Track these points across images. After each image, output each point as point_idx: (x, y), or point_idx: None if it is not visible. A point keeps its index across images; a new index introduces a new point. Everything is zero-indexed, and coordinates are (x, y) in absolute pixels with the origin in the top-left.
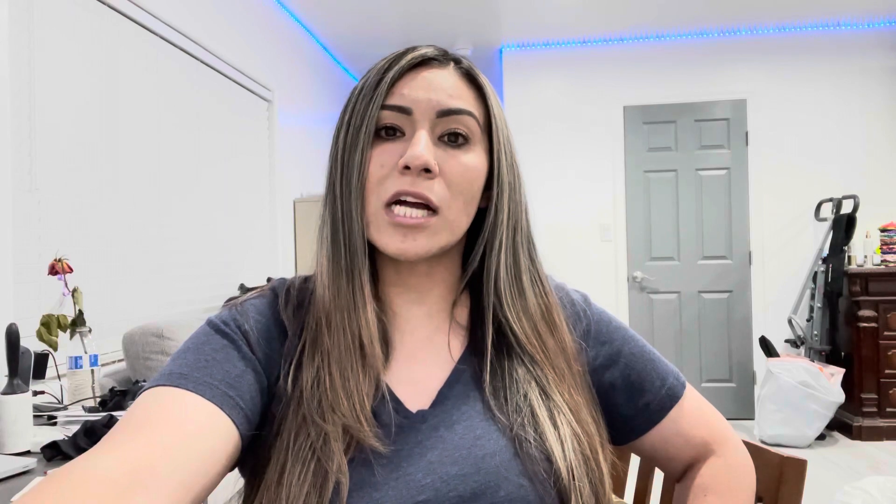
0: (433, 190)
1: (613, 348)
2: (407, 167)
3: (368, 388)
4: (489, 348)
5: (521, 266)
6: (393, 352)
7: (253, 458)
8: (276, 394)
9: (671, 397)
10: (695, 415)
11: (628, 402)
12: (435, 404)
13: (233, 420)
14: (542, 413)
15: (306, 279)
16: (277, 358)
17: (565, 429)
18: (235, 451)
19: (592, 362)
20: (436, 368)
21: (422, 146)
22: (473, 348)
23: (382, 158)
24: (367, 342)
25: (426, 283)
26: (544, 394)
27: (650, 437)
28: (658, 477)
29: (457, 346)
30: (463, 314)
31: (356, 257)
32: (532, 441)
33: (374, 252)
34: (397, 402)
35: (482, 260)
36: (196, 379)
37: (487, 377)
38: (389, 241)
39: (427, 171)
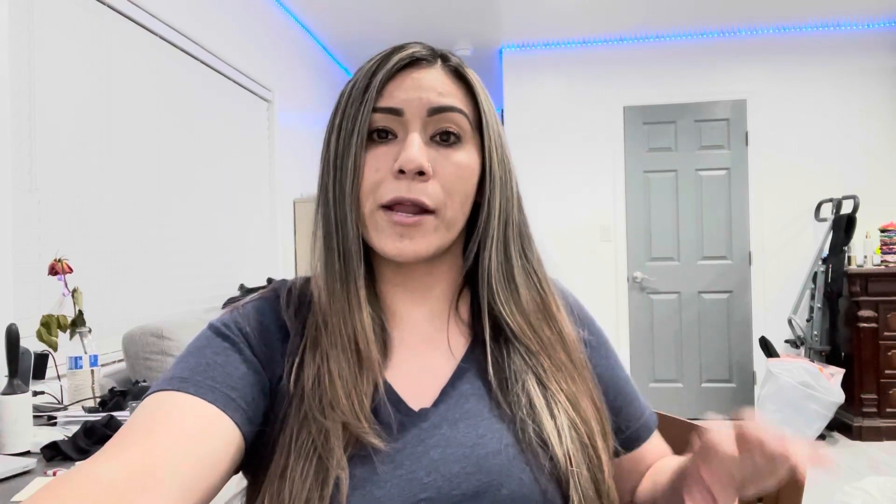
0: (427, 192)
1: (609, 367)
2: (401, 171)
3: (367, 388)
4: (488, 344)
5: (513, 260)
6: (394, 350)
7: (257, 459)
8: (279, 394)
9: (647, 429)
10: (659, 448)
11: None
12: (438, 402)
13: (235, 422)
14: (539, 403)
15: (308, 280)
16: (279, 359)
17: (562, 418)
18: (238, 453)
19: (593, 370)
20: (439, 366)
21: (415, 149)
22: (476, 344)
23: (377, 162)
24: (363, 345)
25: (427, 281)
26: (541, 384)
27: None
28: None
29: (460, 342)
30: (465, 310)
31: (350, 262)
32: (531, 432)
33: (371, 252)
34: (399, 400)
35: (478, 255)
36: (198, 382)
37: (491, 374)
38: (387, 242)
39: (421, 173)
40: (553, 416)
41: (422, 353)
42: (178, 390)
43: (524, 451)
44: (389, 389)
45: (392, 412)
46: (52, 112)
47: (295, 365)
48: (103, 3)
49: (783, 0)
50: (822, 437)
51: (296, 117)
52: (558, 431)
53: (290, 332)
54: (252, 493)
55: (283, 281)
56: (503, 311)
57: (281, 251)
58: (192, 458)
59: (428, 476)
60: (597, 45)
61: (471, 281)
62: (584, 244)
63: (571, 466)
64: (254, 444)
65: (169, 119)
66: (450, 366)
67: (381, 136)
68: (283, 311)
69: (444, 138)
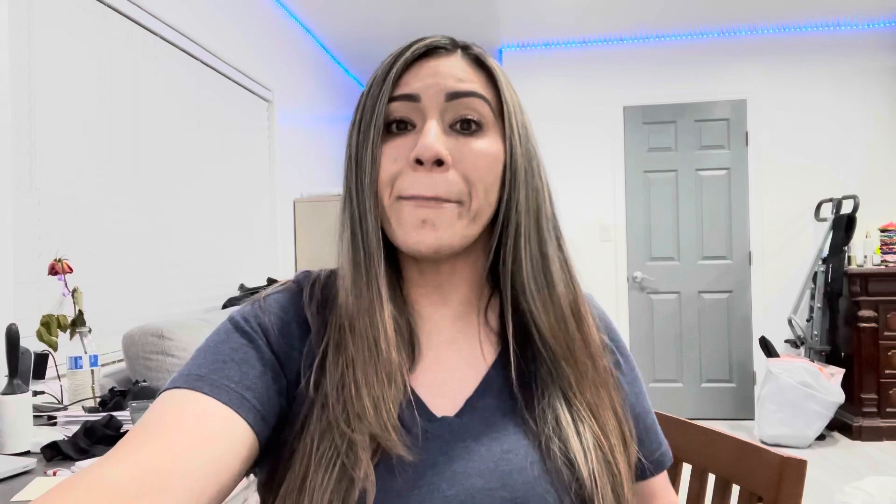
0: (447, 183)
1: (632, 394)
2: (419, 161)
3: (395, 395)
4: (513, 353)
5: (549, 254)
6: (419, 354)
7: (273, 456)
8: (298, 395)
9: (658, 465)
10: (663, 491)
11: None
12: (462, 413)
13: (249, 423)
14: (564, 419)
15: (332, 273)
16: (297, 356)
17: (587, 435)
18: (251, 454)
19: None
20: (464, 374)
21: (432, 136)
22: (503, 354)
23: (395, 153)
24: (385, 348)
25: (450, 282)
26: (566, 399)
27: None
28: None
29: (487, 350)
30: (494, 318)
31: (372, 257)
32: (557, 450)
33: (396, 253)
34: (423, 407)
35: (502, 252)
36: (213, 381)
37: (517, 387)
38: (409, 232)
39: (440, 163)
40: (579, 434)
41: (447, 358)
42: (192, 388)
43: (549, 471)
44: (415, 395)
45: (417, 418)
46: (52, 112)
47: (314, 368)
48: (103, 3)
49: (783, 0)
50: (822, 437)
51: (296, 117)
52: (584, 451)
53: (311, 328)
54: (267, 494)
55: (307, 273)
56: (534, 310)
57: (281, 251)
58: (203, 461)
59: (450, 489)
60: (597, 45)
61: (498, 286)
62: (584, 244)
63: (597, 487)
64: (269, 443)
65: (169, 119)
66: (476, 375)
67: (400, 127)
68: (305, 307)
69: (465, 126)
